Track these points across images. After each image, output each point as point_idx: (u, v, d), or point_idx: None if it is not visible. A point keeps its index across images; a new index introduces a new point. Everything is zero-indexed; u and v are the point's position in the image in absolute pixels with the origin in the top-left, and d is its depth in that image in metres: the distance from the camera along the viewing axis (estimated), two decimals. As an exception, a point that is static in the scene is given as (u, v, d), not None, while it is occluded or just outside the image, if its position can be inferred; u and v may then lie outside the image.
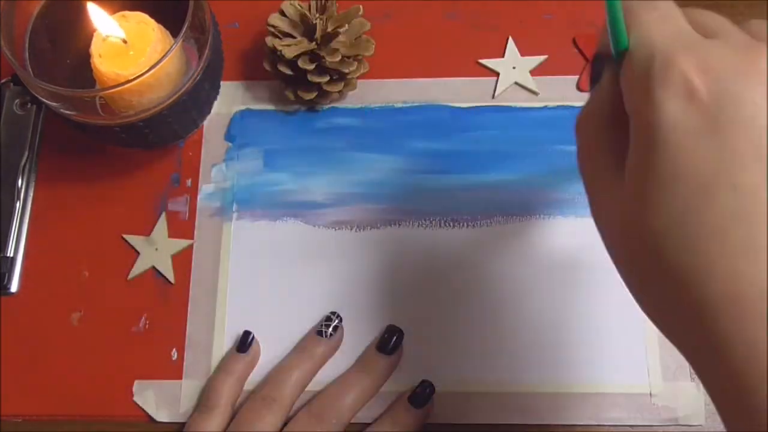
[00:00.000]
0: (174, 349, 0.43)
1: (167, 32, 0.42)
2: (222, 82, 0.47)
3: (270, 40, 0.45)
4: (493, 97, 0.47)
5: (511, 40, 0.48)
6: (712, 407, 0.37)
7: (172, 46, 0.39)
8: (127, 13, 0.42)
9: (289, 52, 0.43)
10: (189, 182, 0.46)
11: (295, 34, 0.45)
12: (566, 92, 0.47)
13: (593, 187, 0.26)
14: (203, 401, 0.41)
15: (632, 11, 0.24)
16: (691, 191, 0.21)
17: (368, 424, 0.40)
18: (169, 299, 0.44)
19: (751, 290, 0.20)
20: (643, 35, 0.23)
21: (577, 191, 0.45)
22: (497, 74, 0.48)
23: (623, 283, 0.25)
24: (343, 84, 0.45)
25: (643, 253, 0.22)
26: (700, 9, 0.25)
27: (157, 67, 0.39)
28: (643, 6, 0.24)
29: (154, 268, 0.44)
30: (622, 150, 0.24)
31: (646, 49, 0.22)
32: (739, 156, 0.20)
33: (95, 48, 0.41)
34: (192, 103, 0.43)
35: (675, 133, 0.21)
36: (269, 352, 0.42)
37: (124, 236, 0.45)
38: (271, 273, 0.44)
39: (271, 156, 0.47)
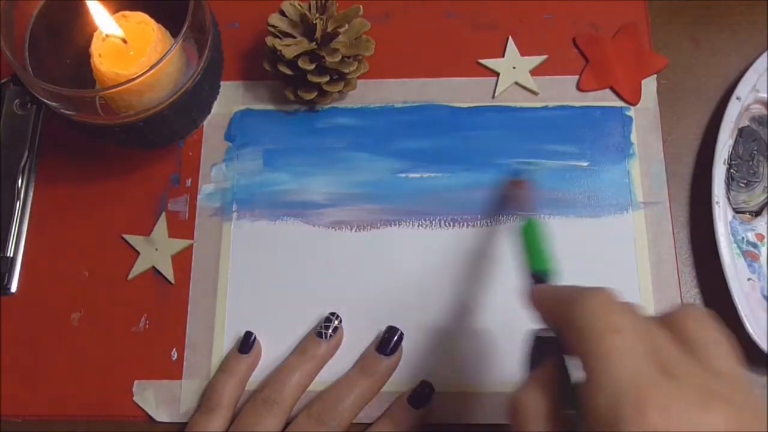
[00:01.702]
0: (174, 349, 0.43)
1: (167, 32, 0.42)
2: (222, 82, 0.47)
3: (270, 40, 0.45)
4: (493, 97, 0.47)
5: (511, 40, 0.48)
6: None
7: (172, 46, 0.39)
8: (127, 13, 0.42)
9: (289, 52, 0.43)
10: (189, 182, 0.46)
11: (295, 34, 0.45)
12: (566, 92, 0.47)
13: None
14: (205, 402, 0.41)
15: (589, 330, 0.25)
16: None
17: (368, 425, 0.40)
18: (169, 299, 0.44)
19: None
20: (609, 370, 0.24)
21: (577, 191, 0.45)
22: (497, 74, 0.48)
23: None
24: (343, 84, 0.45)
25: None
26: (666, 320, 0.26)
27: (157, 67, 0.39)
28: (602, 328, 0.25)
29: (154, 268, 0.44)
30: None
31: (612, 387, 0.23)
32: None
33: (95, 48, 0.41)
34: (192, 103, 0.43)
35: None
36: (269, 352, 0.42)
37: (124, 236, 0.45)
38: (271, 273, 0.44)
39: (271, 156, 0.47)
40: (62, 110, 0.41)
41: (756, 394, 0.24)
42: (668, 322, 0.26)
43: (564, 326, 0.26)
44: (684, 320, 0.26)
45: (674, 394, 0.23)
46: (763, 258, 0.42)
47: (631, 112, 0.47)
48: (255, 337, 0.42)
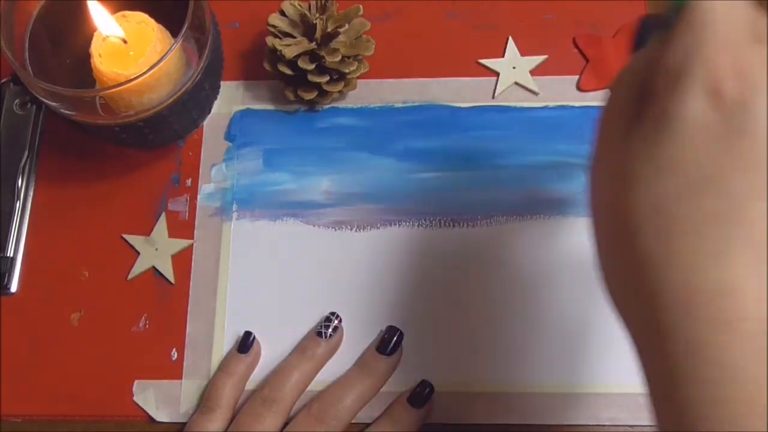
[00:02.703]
0: (174, 349, 0.43)
1: (167, 32, 0.42)
2: (222, 82, 0.47)
3: (270, 40, 0.45)
4: (493, 97, 0.47)
5: (511, 40, 0.48)
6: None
7: (172, 46, 0.39)
8: (127, 13, 0.42)
9: (289, 52, 0.43)
10: (189, 182, 0.46)
11: (295, 34, 0.45)
12: (566, 92, 0.47)
13: (600, 149, 0.26)
14: (204, 402, 0.41)
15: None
16: (681, 185, 0.21)
17: (368, 424, 0.40)
18: (169, 299, 0.44)
19: (705, 291, 0.21)
20: (706, 17, 0.22)
21: (577, 191, 0.45)
22: (497, 74, 0.48)
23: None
24: (343, 84, 0.45)
25: (618, 226, 0.23)
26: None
27: (157, 67, 0.39)
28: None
29: (154, 268, 0.44)
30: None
31: (700, 31, 0.22)
32: (738, 163, 0.21)
33: (95, 48, 0.41)
34: (192, 103, 0.43)
35: (688, 126, 0.21)
36: (269, 352, 0.42)
37: (124, 236, 0.45)
38: (271, 273, 0.44)
39: (271, 156, 0.47)
40: (62, 110, 0.41)
41: None
42: None
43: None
44: None
45: (760, 54, 0.21)
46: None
47: (631, 112, 0.46)
48: (254, 337, 0.42)
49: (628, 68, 0.26)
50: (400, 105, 0.47)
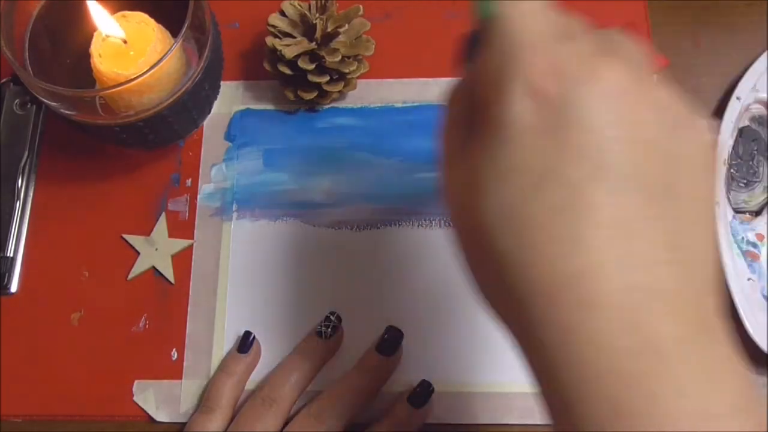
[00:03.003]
0: (174, 349, 0.43)
1: (167, 32, 0.42)
2: (222, 82, 0.47)
3: (270, 40, 0.45)
4: (493, 97, 0.47)
5: (511, 40, 0.48)
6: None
7: (172, 46, 0.39)
8: (127, 13, 0.42)
9: (289, 52, 0.43)
10: (189, 182, 0.46)
11: (295, 34, 0.45)
12: (566, 92, 0.47)
13: (445, 163, 0.27)
14: (204, 402, 0.41)
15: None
16: (523, 185, 0.22)
17: (368, 425, 0.40)
18: (169, 299, 0.44)
19: (565, 277, 0.21)
20: (512, 25, 0.23)
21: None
22: (497, 74, 0.47)
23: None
24: (343, 84, 0.45)
25: (474, 233, 0.24)
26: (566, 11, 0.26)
27: (157, 67, 0.39)
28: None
29: (154, 268, 0.44)
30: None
31: (509, 39, 0.23)
32: (569, 154, 0.22)
33: (95, 48, 0.41)
34: (192, 103, 0.43)
35: (517, 129, 0.22)
36: (269, 352, 0.42)
37: (124, 236, 0.45)
38: (271, 273, 0.44)
39: (270, 156, 0.47)
40: (62, 110, 0.41)
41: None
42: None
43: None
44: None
45: (571, 50, 0.23)
46: (763, 258, 0.42)
47: (631, 112, 0.46)
48: (254, 337, 0.42)
49: (458, 83, 0.28)
50: (400, 105, 0.47)
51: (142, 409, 0.42)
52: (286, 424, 0.40)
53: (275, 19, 0.45)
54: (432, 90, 0.48)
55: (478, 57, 0.25)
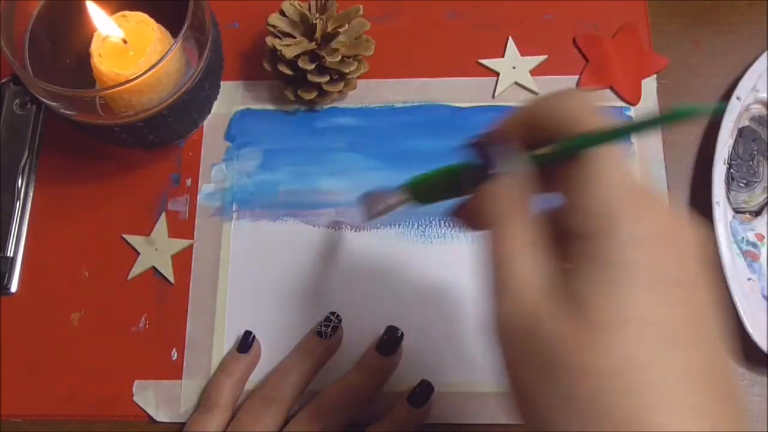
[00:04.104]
0: (174, 349, 0.43)
1: (167, 32, 0.42)
2: (222, 82, 0.47)
3: (270, 40, 0.45)
4: (493, 97, 0.47)
5: (511, 40, 0.48)
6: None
7: (172, 46, 0.39)
8: (127, 13, 0.42)
9: (289, 52, 0.43)
10: (189, 182, 0.46)
11: (295, 34, 0.45)
12: (566, 92, 0.47)
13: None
14: (204, 401, 0.41)
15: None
16: (651, 342, 0.22)
17: (368, 425, 0.40)
18: (169, 299, 0.44)
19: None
20: (605, 191, 0.24)
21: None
22: (497, 74, 0.48)
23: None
24: (343, 84, 0.45)
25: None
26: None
27: (157, 67, 0.39)
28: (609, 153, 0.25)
29: (154, 268, 0.44)
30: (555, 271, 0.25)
31: (605, 206, 0.24)
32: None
33: (95, 48, 0.41)
34: (192, 103, 0.43)
35: (647, 277, 0.22)
36: (269, 352, 0.42)
37: (124, 236, 0.45)
38: (271, 273, 0.44)
39: (270, 156, 0.47)
40: (62, 110, 0.41)
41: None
42: None
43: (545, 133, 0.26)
44: None
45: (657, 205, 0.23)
46: (763, 258, 0.42)
47: (631, 112, 0.47)
48: (254, 337, 0.42)
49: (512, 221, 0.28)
50: (400, 105, 0.47)
51: (142, 409, 0.42)
52: (285, 423, 0.40)
53: (275, 19, 0.45)
54: (432, 90, 0.47)
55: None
